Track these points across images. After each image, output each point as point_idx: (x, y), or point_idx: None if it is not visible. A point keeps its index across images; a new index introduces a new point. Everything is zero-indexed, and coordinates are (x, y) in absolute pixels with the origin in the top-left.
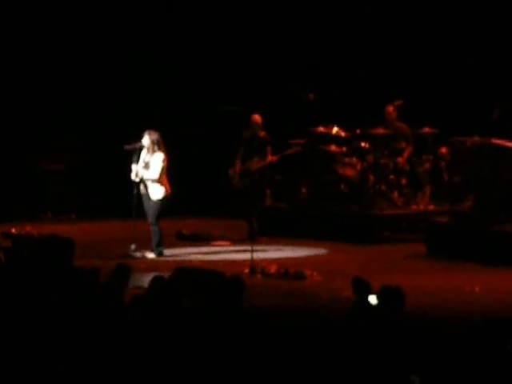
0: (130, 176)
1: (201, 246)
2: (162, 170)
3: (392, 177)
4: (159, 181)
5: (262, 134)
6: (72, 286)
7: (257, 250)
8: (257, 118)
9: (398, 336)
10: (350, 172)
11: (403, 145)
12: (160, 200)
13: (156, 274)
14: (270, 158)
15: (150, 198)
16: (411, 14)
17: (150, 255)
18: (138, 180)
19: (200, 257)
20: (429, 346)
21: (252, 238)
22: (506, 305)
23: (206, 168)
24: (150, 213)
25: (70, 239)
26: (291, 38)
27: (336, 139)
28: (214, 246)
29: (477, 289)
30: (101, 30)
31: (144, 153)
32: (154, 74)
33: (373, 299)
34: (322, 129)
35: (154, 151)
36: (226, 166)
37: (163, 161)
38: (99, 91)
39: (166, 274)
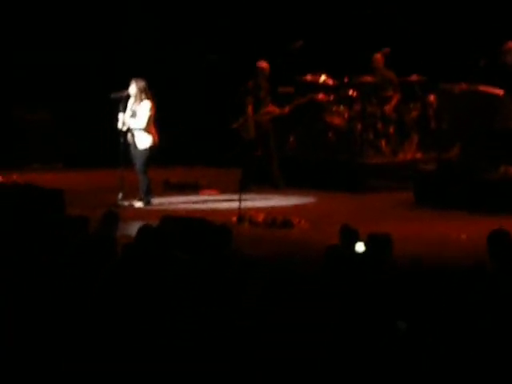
0: (116, 125)
1: (188, 194)
2: (150, 118)
3: (380, 125)
4: (146, 129)
5: (266, 83)
6: (62, 235)
7: (244, 199)
8: (264, 65)
9: (385, 282)
10: (337, 120)
11: (391, 93)
12: (147, 149)
13: (143, 222)
14: (277, 109)
15: (137, 147)
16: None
17: (138, 204)
18: (125, 129)
19: (187, 206)
20: (415, 293)
21: (277, 186)
22: None
23: (193, 116)
24: (138, 162)
25: (60, 191)
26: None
27: (324, 87)
28: (201, 194)
29: (463, 236)
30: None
31: (131, 101)
32: (138, 25)
33: (360, 246)
34: (309, 77)
35: (141, 99)
36: (211, 114)
37: (150, 109)
38: (85, 41)
39: (154, 223)
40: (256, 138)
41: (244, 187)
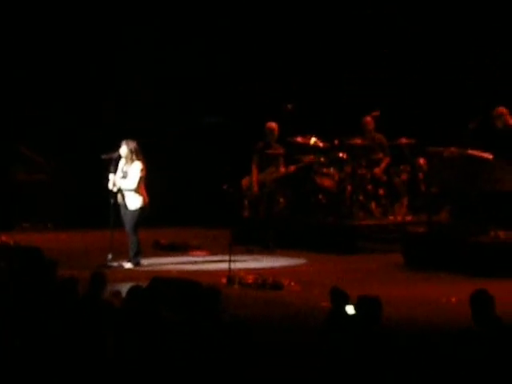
0: (107, 186)
1: (178, 255)
2: (140, 179)
3: (369, 187)
4: (137, 190)
5: (276, 144)
6: (51, 297)
7: (234, 260)
8: (273, 126)
9: (376, 346)
10: (328, 182)
11: (380, 155)
12: (138, 209)
13: (133, 283)
14: (283, 168)
15: (127, 208)
16: (386, 25)
17: (128, 265)
18: (115, 190)
19: (177, 266)
20: (406, 357)
21: (268, 247)
22: None
23: (186, 178)
24: (128, 222)
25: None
26: (269, 49)
27: (314, 149)
28: (191, 255)
29: (453, 299)
30: (84, 36)
31: (122, 162)
32: (133, 83)
33: (350, 309)
34: (300, 139)
35: (132, 160)
36: (207, 176)
37: (141, 170)
38: (77, 102)
39: (144, 284)
40: (258, 196)
41: (248, 247)
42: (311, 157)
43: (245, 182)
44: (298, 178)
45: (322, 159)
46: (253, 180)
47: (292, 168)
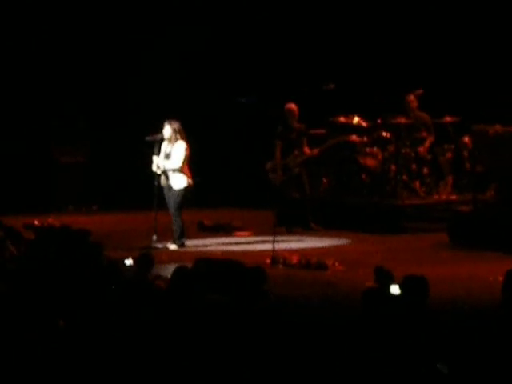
0: (151, 167)
1: (222, 236)
2: (185, 158)
3: (414, 166)
4: (181, 170)
5: (298, 124)
6: (97, 280)
7: (278, 241)
8: (292, 107)
9: (423, 325)
10: (371, 162)
11: (424, 134)
12: (182, 189)
13: (178, 264)
14: (308, 151)
15: (171, 188)
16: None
17: (172, 246)
18: (159, 172)
19: (221, 247)
20: (454, 335)
21: (309, 228)
22: None
23: (227, 158)
24: (172, 203)
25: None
26: (310, 28)
27: (357, 129)
28: (235, 236)
29: (500, 278)
30: (118, 24)
31: (165, 144)
32: (170, 67)
33: (395, 289)
34: (342, 119)
35: (176, 140)
36: (244, 156)
37: (186, 149)
38: (118, 84)
39: (188, 265)
40: (286, 181)
41: (288, 228)
42: (339, 137)
43: (268, 166)
44: (341, 158)
45: (365, 139)
46: (276, 164)
47: (316, 151)
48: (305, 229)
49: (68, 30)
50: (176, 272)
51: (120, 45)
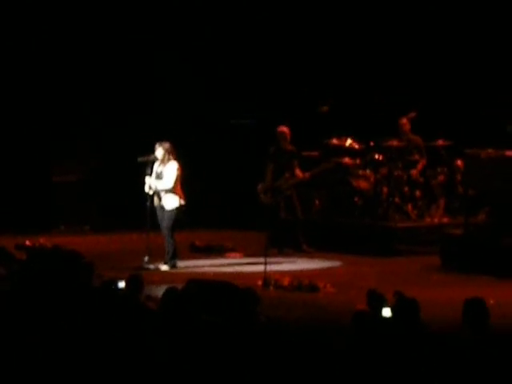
0: (143, 188)
1: (214, 257)
2: (177, 178)
3: (406, 189)
4: (173, 190)
5: (290, 147)
6: (89, 300)
7: (270, 263)
8: (284, 130)
9: (415, 348)
10: (363, 184)
11: (417, 157)
12: (174, 210)
13: (169, 286)
14: (300, 174)
15: (163, 209)
16: (427, 22)
17: (164, 267)
18: (151, 192)
19: (213, 269)
20: (445, 358)
21: (300, 249)
22: None
23: (220, 180)
24: (164, 224)
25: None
26: (304, 51)
27: (350, 151)
28: (227, 257)
29: (491, 301)
30: (117, 44)
31: (157, 164)
32: (166, 86)
33: (387, 312)
34: (335, 141)
35: (168, 160)
36: (239, 178)
37: (177, 170)
38: (113, 104)
39: (179, 286)
40: (277, 203)
41: (280, 249)
42: (332, 162)
43: (260, 187)
44: (333, 180)
45: (358, 161)
46: (267, 186)
47: (307, 174)
48: (296, 250)
49: (65, 50)
50: (166, 293)
51: (116, 68)
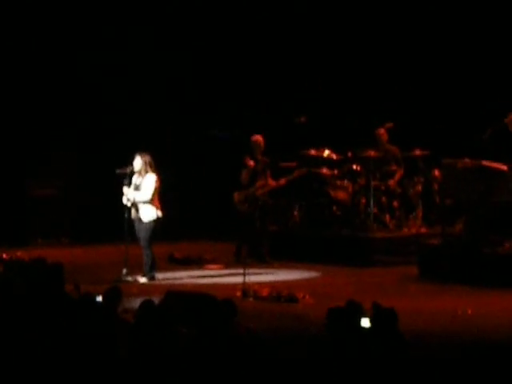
0: (121, 200)
1: (193, 269)
2: (155, 191)
3: (384, 199)
4: (151, 202)
5: (262, 156)
6: (67, 313)
7: (249, 274)
8: (258, 139)
9: (393, 357)
10: (341, 195)
11: (394, 167)
12: (152, 221)
13: (147, 298)
14: (273, 182)
15: (141, 221)
16: (400, 35)
17: (142, 279)
18: (129, 204)
19: (192, 280)
20: (423, 367)
21: (264, 260)
22: (498, 327)
23: (197, 191)
24: (142, 236)
25: (59, 264)
26: (281, 61)
27: (328, 162)
28: (206, 269)
29: (469, 311)
30: (90, 56)
31: (135, 176)
32: (143, 98)
33: (366, 322)
34: (313, 152)
35: (146, 172)
36: (216, 189)
37: (155, 182)
38: (88, 116)
39: (158, 298)
40: (251, 211)
41: (261, 260)
42: (306, 168)
43: (236, 196)
44: (312, 191)
45: (336, 171)
46: (242, 196)
47: (283, 181)
48: (260, 261)
49: (37, 62)
50: (142, 305)
51: (90, 80)
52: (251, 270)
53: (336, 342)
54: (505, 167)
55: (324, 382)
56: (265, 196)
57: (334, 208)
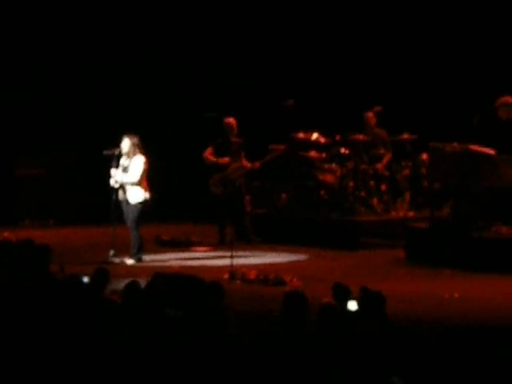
0: (109, 181)
1: (180, 251)
2: (143, 172)
3: (372, 183)
4: (139, 184)
5: (236, 139)
6: (54, 294)
7: (236, 256)
8: (231, 121)
9: (380, 340)
10: (329, 178)
11: (382, 151)
12: (139, 203)
13: (133, 279)
14: (247, 164)
15: (129, 203)
16: (388, 19)
17: (129, 261)
18: (117, 186)
19: (180, 262)
20: (409, 351)
21: (249, 241)
22: (484, 311)
23: (185, 173)
24: (130, 217)
25: (46, 245)
26: (271, 44)
27: (316, 145)
28: (193, 251)
29: (456, 295)
30: (88, 37)
31: (123, 158)
32: (134, 80)
33: (353, 305)
34: (301, 135)
35: (134, 154)
36: (203, 171)
37: (144, 163)
38: (76, 96)
39: (145, 280)
40: (227, 194)
41: (247, 241)
42: (276, 152)
43: (211, 181)
44: (299, 174)
45: (324, 155)
46: (216, 178)
47: (257, 164)
48: (246, 243)
49: (28, 44)
50: (127, 287)
51: (80, 58)
52: (239, 253)
53: (324, 326)
54: (492, 152)
55: (311, 366)
56: (240, 178)
57: (322, 191)
